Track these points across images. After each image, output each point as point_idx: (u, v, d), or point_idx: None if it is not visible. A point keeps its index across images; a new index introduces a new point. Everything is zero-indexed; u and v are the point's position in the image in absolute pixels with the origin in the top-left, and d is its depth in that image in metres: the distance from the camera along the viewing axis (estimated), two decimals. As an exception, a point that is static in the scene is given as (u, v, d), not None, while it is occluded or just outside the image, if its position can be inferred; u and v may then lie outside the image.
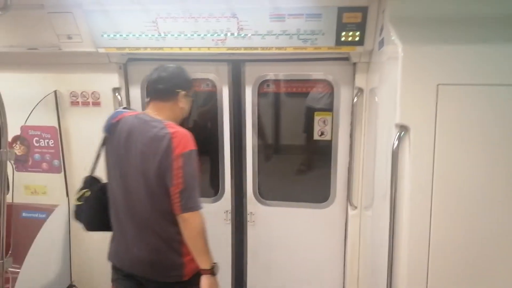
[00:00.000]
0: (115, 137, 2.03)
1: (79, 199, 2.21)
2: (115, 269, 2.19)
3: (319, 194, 3.03)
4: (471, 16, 1.86)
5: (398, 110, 1.75)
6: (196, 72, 2.95)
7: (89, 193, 2.21)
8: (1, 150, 2.15)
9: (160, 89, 2.03)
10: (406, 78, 1.72)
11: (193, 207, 1.88)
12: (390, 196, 1.82)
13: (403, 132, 1.76)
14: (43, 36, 2.61)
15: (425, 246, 1.80)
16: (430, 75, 1.71)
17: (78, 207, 2.22)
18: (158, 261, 2.00)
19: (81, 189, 2.23)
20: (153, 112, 2.03)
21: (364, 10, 2.26)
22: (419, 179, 1.76)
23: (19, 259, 2.64)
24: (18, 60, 2.87)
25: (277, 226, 3.08)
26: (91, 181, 2.27)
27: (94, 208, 2.18)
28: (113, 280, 2.20)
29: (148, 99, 2.10)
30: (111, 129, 2.06)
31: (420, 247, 1.80)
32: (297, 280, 3.17)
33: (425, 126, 1.73)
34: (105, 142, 2.14)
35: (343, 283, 3.08)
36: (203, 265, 1.95)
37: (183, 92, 2.05)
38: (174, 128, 1.92)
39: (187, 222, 1.89)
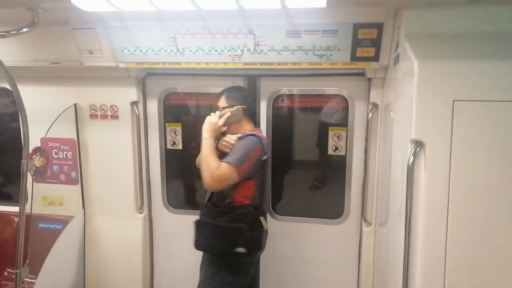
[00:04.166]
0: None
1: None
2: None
3: (333, 210, 3.01)
4: (487, 32, 1.86)
5: (414, 126, 1.74)
6: (212, 86, 3.01)
7: None
8: (22, 161, 2.21)
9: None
10: (422, 94, 1.72)
11: None
12: (405, 213, 1.80)
13: (418, 148, 1.75)
14: (66, 51, 2.69)
15: (441, 265, 1.76)
16: (445, 91, 1.70)
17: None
18: None
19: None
20: None
21: (379, 27, 2.27)
22: (434, 195, 1.74)
23: (35, 270, 2.67)
24: (41, 74, 2.96)
25: (291, 242, 3.06)
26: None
27: None
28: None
29: (251, 120, 2.52)
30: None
31: (435, 265, 1.76)
32: (310, 297, 3.13)
33: (441, 142, 1.72)
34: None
35: (357, 301, 3.03)
36: None
37: None
38: None
39: None
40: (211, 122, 2.36)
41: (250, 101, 2.56)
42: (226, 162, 2.20)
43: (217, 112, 2.41)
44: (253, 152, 2.27)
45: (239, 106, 2.43)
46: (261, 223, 2.32)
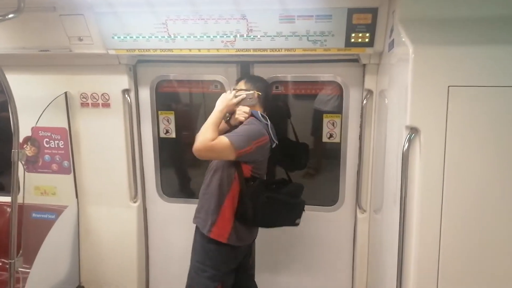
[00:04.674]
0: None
1: None
2: None
3: (328, 197, 3.02)
4: (482, 17, 1.84)
5: (409, 112, 1.73)
6: (204, 73, 2.97)
7: None
8: (13, 150, 2.17)
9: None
10: (417, 80, 1.71)
11: None
12: (400, 199, 1.80)
13: (413, 134, 1.74)
14: (54, 38, 2.64)
15: (435, 250, 1.77)
16: (441, 77, 1.69)
17: None
18: None
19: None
20: None
21: (374, 11, 2.24)
22: (429, 181, 1.74)
23: (29, 260, 2.66)
24: (29, 62, 2.91)
25: (285, 229, 3.06)
26: None
27: None
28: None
29: (262, 109, 2.51)
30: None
31: (430, 251, 1.77)
32: (305, 283, 3.15)
33: (436, 128, 1.71)
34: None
35: (352, 287, 3.05)
36: None
37: None
38: None
39: None
40: (227, 98, 2.41)
41: (267, 92, 2.59)
42: (227, 138, 2.21)
43: (233, 91, 2.48)
44: (255, 140, 2.27)
45: (256, 92, 2.45)
46: None
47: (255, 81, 2.54)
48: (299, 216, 2.44)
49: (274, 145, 2.40)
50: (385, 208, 2.27)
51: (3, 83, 2.08)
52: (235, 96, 2.43)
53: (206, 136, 2.21)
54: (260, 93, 2.47)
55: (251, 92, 2.43)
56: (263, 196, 2.29)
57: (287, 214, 2.41)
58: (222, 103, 2.39)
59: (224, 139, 2.19)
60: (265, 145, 2.33)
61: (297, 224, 2.45)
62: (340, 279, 3.08)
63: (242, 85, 2.51)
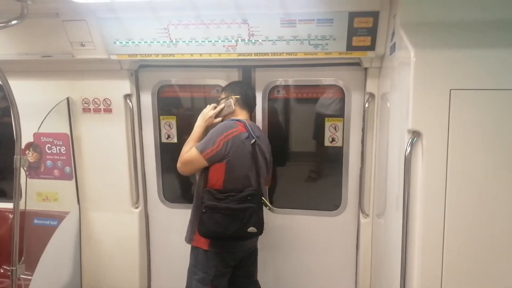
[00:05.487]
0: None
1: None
2: None
3: (330, 202, 3.00)
4: (484, 20, 1.83)
5: (411, 116, 1.72)
6: (206, 78, 2.97)
7: None
8: (15, 156, 2.17)
9: (255, 105, 2.71)
10: (419, 83, 1.70)
11: None
12: (402, 204, 1.79)
13: (415, 138, 1.73)
14: (57, 43, 2.65)
15: (438, 254, 1.76)
16: (442, 80, 1.68)
17: None
18: None
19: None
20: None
21: (375, 15, 2.25)
22: (432, 185, 1.73)
23: (31, 266, 2.65)
24: (32, 68, 2.92)
25: (287, 234, 3.05)
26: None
27: None
28: None
29: (245, 110, 2.58)
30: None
31: (433, 255, 1.76)
32: (308, 288, 3.13)
33: (438, 132, 1.70)
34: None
35: (355, 292, 3.03)
36: None
37: None
38: None
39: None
40: (204, 113, 2.57)
41: (245, 91, 2.61)
42: (194, 147, 2.38)
43: (212, 105, 2.60)
44: (220, 136, 2.34)
45: (232, 97, 2.53)
46: (264, 202, 2.46)
47: (230, 86, 2.66)
48: (253, 225, 2.32)
49: (253, 141, 2.39)
50: (388, 213, 2.26)
51: (5, 88, 2.09)
52: (214, 108, 2.56)
53: (183, 152, 2.44)
54: (237, 96, 2.55)
55: (228, 99, 2.53)
56: (202, 206, 2.34)
57: (231, 223, 2.31)
58: (200, 119, 2.56)
59: (192, 149, 2.39)
60: (235, 138, 2.35)
61: (256, 233, 2.36)
62: (343, 283, 3.06)
63: (222, 95, 2.62)
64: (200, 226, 2.36)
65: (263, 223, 2.41)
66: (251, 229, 2.31)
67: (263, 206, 2.44)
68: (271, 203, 3.05)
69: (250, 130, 2.41)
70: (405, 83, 1.77)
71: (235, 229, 2.30)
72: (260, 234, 2.44)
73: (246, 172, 2.40)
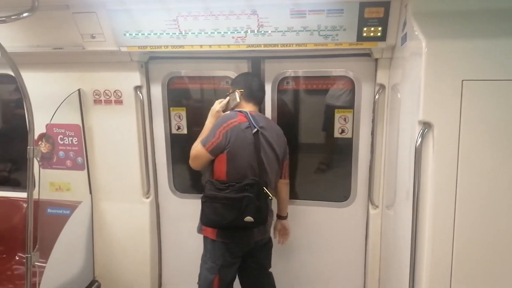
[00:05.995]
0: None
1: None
2: None
3: (340, 193, 3.01)
4: (496, 10, 1.80)
5: (422, 107, 1.71)
6: (216, 69, 2.97)
7: None
8: (28, 147, 2.21)
9: (263, 96, 2.73)
10: (430, 74, 1.68)
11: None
12: (413, 195, 1.78)
13: (426, 129, 1.72)
14: (67, 36, 2.67)
15: (448, 246, 1.75)
16: (454, 71, 1.66)
17: None
18: None
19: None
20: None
21: (386, 5, 2.22)
22: (442, 177, 1.72)
23: (45, 254, 2.70)
24: (43, 60, 2.94)
25: (297, 225, 3.07)
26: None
27: None
28: None
29: (252, 102, 2.59)
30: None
31: (443, 247, 1.75)
32: (317, 280, 3.15)
33: (449, 123, 1.69)
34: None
35: (364, 283, 3.04)
36: (285, 212, 2.81)
37: None
38: None
39: (287, 185, 2.74)
40: (212, 109, 2.63)
41: (249, 83, 2.62)
42: (199, 142, 2.47)
43: (219, 100, 2.66)
44: (220, 128, 2.40)
45: (237, 90, 2.57)
46: (266, 192, 2.41)
47: (235, 79, 2.70)
48: (249, 214, 2.32)
49: (254, 131, 2.40)
50: (398, 204, 2.25)
51: (18, 81, 2.11)
52: (220, 103, 2.61)
53: (192, 148, 2.51)
54: (241, 90, 2.57)
55: (233, 93, 2.59)
56: (202, 196, 2.42)
57: (228, 212, 2.33)
58: (209, 115, 2.62)
59: (198, 144, 2.47)
60: (234, 128, 2.39)
61: (253, 224, 2.36)
62: (352, 274, 3.07)
63: (230, 89, 2.67)
64: (201, 215, 2.46)
65: (264, 213, 2.40)
66: (248, 218, 2.32)
67: (267, 196, 2.41)
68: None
69: (251, 120, 2.41)
70: (416, 74, 1.75)
71: (232, 218, 2.33)
72: (260, 225, 2.43)
73: (249, 161, 2.40)
